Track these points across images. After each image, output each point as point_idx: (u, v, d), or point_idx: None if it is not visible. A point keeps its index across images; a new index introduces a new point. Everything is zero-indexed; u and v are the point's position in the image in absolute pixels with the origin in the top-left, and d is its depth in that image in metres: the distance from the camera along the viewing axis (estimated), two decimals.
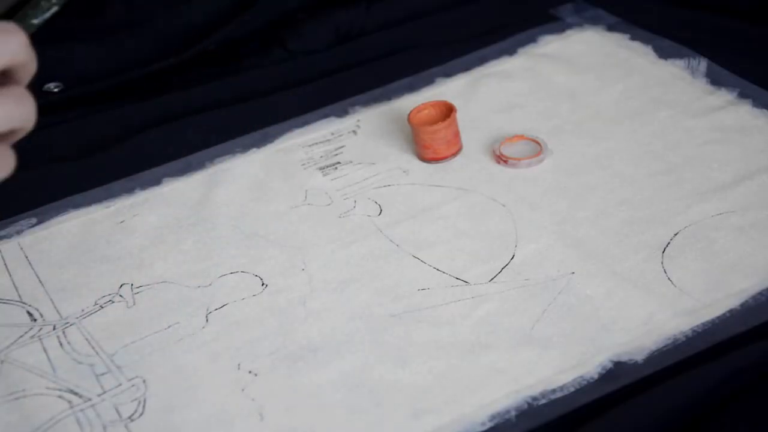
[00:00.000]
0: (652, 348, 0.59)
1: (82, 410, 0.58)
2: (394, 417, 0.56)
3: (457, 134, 0.74)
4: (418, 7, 0.94)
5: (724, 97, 0.78)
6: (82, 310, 0.65)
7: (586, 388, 0.57)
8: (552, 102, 0.80)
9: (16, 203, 0.73)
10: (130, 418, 0.58)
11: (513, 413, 0.56)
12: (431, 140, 0.74)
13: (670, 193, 0.70)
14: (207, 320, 0.63)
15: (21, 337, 0.63)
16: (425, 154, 0.74)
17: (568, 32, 0.88)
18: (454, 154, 0.74)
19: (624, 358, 0.58)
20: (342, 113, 0.81)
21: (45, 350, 0.62)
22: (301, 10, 0.92)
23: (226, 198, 0.73)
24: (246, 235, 0.70)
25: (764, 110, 0.76)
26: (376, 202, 0.72)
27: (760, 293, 0.61)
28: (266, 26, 0.91)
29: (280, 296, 0.65)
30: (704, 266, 0.64)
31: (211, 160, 0.77)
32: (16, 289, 0.66)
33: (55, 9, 0.89)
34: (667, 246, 0.66)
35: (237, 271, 0.67)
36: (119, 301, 0.65)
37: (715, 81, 0.80)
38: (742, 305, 0.61)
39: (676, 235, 0.66)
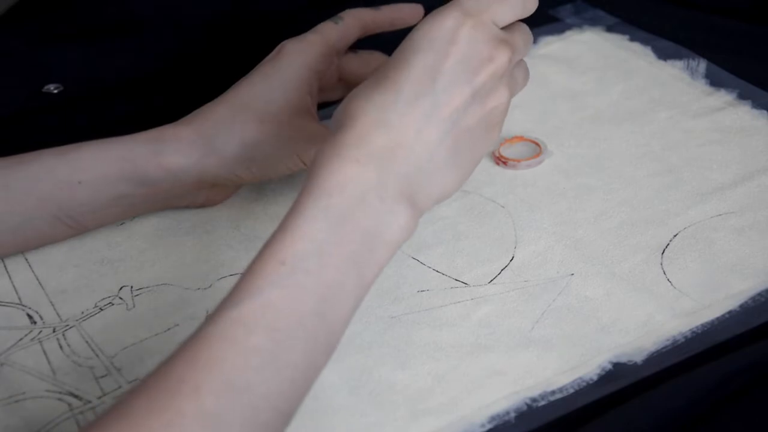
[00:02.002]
0: (651, 349, 0.59)
1: (81, 413, 0.58)
2: (393, 418, 0.56)
3: None
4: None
5: (723, 98, 0.78)
6: (82, 313, 0.65)
7: (585, 389, 0.57)
8: (551, 103, 0.80)
9: None
10: None
11: (512, 414, 0.56)
12: None
13: (670, 194, 0.70)
14: None
15: (21, 339, 0.63)
16: None
17: (568, 33, 0.88)
18: None
19: (623, 359, 0.58)
20: None
21: (45, 353, 0.62)
22: (300, 11, 0.92)
23: (225, 200, 0.73)
24: (246, 237, 0.70)
25: (764, 111, 0.76)
26: None
27: (760, 294, 0.61)
28: (264, 27, 0.91)
29: None
30: (703, 267, 0.64)
31: None
32: (16, 292, 0.66)
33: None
34: (666, 247, 0.66)
35: (237, 273, 0.67)
36: (119, 304, 0.65)
37: (714, 82, 0.80)
38: (741, 306, 0.61)
39: (675, 236, 0.66)
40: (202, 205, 0.71)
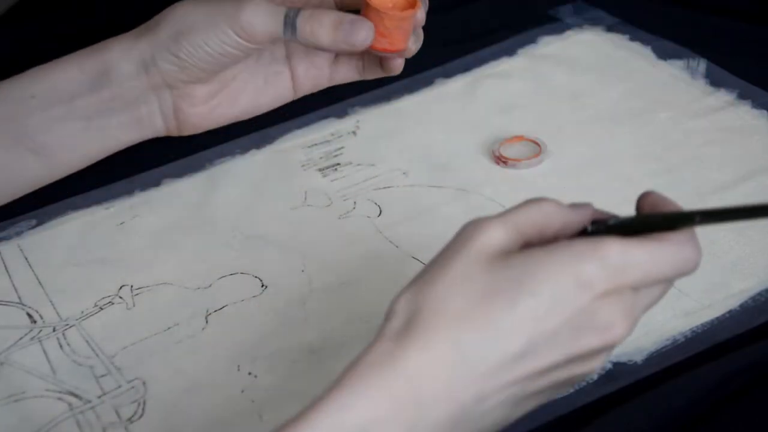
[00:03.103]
0: (651, 349, 0.59)
1: (81, 412, 0.58)
2: None
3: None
4: None
5: (723, 97, 0.78)
6: (82, 312, 0.65)
7: (585, 389, 0.57)
8: (552, 103, 0.80)
9: (15, 204, 0.73)
10: (129, 420, 0.58)
11: None
12: (396, 27, 0.64)
13: (670, 194, 0.69)
14: (207, 322, 0.63)
15: (21, 338, 0.63)
16: (378, 43, 0.65)
17: (568, 33, 0.88)
18: (403, 51, 0.66)
19: (623, 359, 0.58)
20: (341, 114, 0.81)
21: (45, 352, 0.62)
22: None
23: (225, 199, 0.73)
24: (246, 237, 0.70)
25: (763, 111, 0.76)
26: (375, 203, 0.72)
27: (760, 294, 0.61)
28: None
29: (280, 297, 0.65)
30: (703, 267, 0.63)
31: (211, 161, 0.77)
32: (16, 291, 0.66)
33: None
34: None
35: (237, 273, 0.67)
36: (119, 303, 0.65)
37: (714, 82, 0.80)
38: (741, 306, 0.61)
39: None
40: (179, 131, 0.69)
